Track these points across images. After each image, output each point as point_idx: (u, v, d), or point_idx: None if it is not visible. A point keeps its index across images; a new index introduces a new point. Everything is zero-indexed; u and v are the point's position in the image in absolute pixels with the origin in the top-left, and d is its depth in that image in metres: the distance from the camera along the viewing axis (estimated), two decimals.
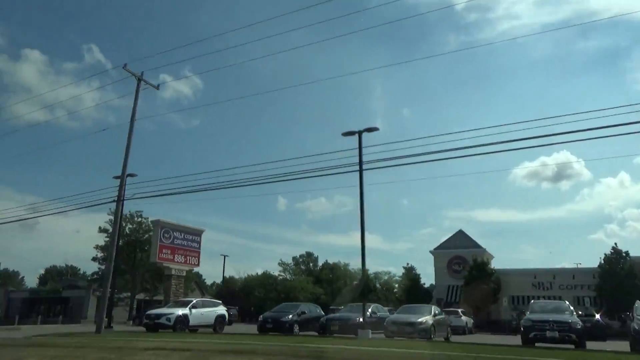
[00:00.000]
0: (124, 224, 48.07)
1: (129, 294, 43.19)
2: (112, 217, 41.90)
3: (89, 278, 47.63)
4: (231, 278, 65.38)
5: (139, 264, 42.11)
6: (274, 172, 16.85)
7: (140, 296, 46.02)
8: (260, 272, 66.33)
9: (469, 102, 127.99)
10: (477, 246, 43.81)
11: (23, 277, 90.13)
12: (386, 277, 74.77)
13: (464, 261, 42.83)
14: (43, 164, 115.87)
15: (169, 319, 19.59)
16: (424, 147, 15.76)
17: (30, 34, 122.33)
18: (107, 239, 43.11)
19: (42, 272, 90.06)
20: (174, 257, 24.64)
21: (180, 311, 20.21)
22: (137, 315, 38.96)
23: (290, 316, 18.80)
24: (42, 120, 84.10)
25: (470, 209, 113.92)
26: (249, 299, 58.11)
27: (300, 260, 79.49)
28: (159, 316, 19.93)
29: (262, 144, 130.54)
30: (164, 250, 24.16)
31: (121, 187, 20.93)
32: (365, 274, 18.62)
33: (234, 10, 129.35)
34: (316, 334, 20.25)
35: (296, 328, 18.75)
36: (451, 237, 46.01)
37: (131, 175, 21.90)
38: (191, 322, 20.46)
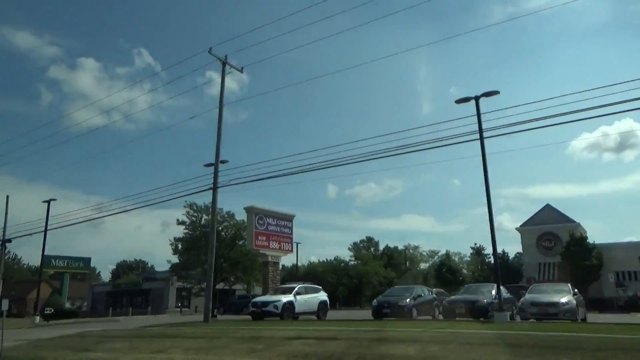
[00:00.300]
0: (199, 215, 48.66)
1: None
2: (189, 210, 42.39)
3: (169, 269, 48.64)
4: (294, 265, 65.59)
5: (217, 254, 42.31)
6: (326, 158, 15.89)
7: (219, 286, 46.53)
8: (315, 259, 66.11)
9: (520, 75, 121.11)
10: (570, 220, 40.56)
11: (99, 272, 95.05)
12: (456, 259, 72.48)
13: (555, 237, 39.84)
14: (105, 166, 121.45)
15: (276, 307, 18.86)
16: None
17: (84, 43, 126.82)
18: (186, 230, 43.87)
19: (113, 267, 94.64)
20: (269, 243, 23.94)
21: (285, 298, 19.43)
22: (221, 304, 39.22)
23: (408, 300, 17.50)
24: (101, 124, 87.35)
25: (526, 185, 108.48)
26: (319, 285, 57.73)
27: (361, 245, 78.49)
28: (265, 304, 19.25)
29: (310, 131, 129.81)
30: (259, 237, 23.48)
31: (216, 175, 20.37)
32: (496, 254, 16.95)
33: (271, 3, 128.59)
34: (430, 317, 18.89)
35: (414, 312, 17.44)
36: (538, 212, 42.88)
37: (223, 162, 21.27)
38: (296, 309, 19.64)
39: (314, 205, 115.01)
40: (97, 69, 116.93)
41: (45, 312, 29.05)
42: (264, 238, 23.93)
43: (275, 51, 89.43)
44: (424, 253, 75.30)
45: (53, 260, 36.18)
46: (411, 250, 71.77)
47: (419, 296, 18.26)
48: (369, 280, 56.47)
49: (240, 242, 42.27)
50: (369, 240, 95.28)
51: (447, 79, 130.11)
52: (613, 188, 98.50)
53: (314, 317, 20.89)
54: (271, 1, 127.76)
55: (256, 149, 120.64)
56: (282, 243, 24.96)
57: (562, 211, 42.04)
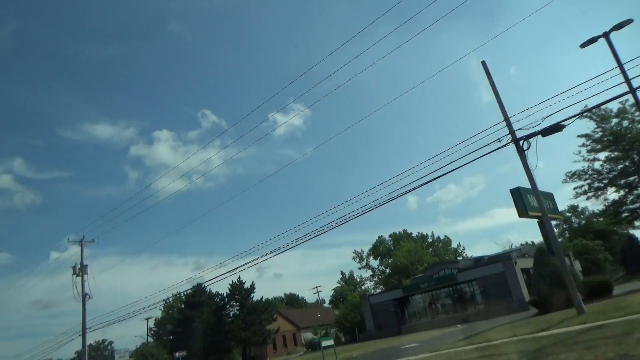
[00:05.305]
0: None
1: None
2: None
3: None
4: None
5: None
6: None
7: None
8: None
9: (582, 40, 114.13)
10: None
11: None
12: None
13: None
14: (193, 226, 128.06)
15: None
16: None
17: (154, 119, 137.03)
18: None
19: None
20: None
21: None
22: None
23: None
24: (183, 187, 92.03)
25: None
26: None
27: None
28: None
29: (378, 158, 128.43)
30: None
31: None
32: None
33: (318, 41, 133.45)
34: None
35: None
36: None
37: None
38: None
39: (395, 220, 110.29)
40: (171, 138, 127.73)
41: None
42: None
43: (332, 83, 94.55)
44: None
45: None
46: None
47: None
48: None
49: None
50: None
51: (503, 62, 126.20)
52: None
53: None
54: (312, 41, 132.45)
55: (326, 179, 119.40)
56: None
57: None
